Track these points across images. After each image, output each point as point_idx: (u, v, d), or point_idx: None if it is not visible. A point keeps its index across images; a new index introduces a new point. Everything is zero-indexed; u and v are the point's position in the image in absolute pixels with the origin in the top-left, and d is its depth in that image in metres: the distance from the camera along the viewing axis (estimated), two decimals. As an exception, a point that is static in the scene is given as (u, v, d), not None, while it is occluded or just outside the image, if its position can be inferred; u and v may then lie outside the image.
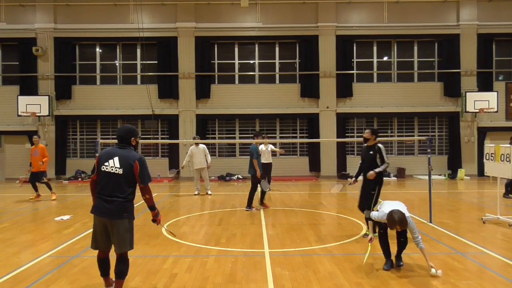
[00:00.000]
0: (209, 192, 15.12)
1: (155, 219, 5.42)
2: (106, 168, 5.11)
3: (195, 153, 14.94)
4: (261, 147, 16.61)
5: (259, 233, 8.90)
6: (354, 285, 5.74)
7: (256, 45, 21.78)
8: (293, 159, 21.55)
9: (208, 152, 15.27)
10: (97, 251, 5.37)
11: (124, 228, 5.10)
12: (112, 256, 5.40)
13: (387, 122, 21.92)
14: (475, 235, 8.58)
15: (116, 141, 5.31)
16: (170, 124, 21.40)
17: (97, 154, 9.89)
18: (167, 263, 6.79)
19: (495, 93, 20.47)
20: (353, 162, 21.39)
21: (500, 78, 21.86)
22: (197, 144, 14.94)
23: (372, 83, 21.76)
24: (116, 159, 5.11)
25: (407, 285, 5.73)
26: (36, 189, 14.17)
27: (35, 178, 14.18)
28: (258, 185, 12.11)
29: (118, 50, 21.85)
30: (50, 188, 14.37)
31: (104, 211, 5.07)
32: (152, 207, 5.32)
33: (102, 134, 21.78)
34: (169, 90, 21.20)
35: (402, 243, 6.45)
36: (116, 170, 5.07)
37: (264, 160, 16.46)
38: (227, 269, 6.46)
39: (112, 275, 5.39)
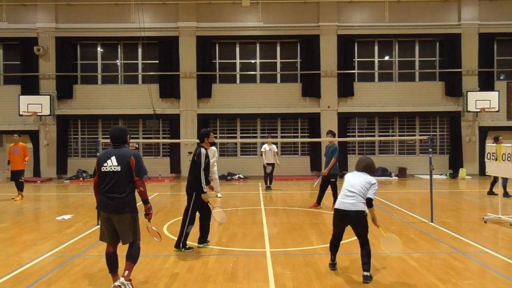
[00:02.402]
0: (219, 195, 14.45)
1: (148, 213, 5.66)
2: (106, 168, 5.43)
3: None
4: (265, 147, 16.54)
5: (260, 233, 8.90)
6: (355, 285, 5.74)
7: (257, 45, 21.77)
8: (294, 158, 21.55)
9: (217, 154, 14.88)
10: (100, 250, 5.56)
11: (128, 222, 5.43)
12: (121, 255, 5.45)
13: (388, 121, 21.91)
14: (476, 234, 8.57)
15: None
16: (172, 124, 21.40)
17: (98, 154, 9.94)
18: (168, 263, 6.79)
19: (497, 92, 20.46)
20: (354, 162, 21.27)
21: (502, 77, 21.83)
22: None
23: (374, 82, 21.74)
24: (113, 158, 5.43)
25: (409, 284, 5.72)
26: (19, 188, 14.10)
27: (15, 177, 14.10)
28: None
29: (119, 49, 21.86)
30: (21, 189, 14.13)
31: (108, 207, 5.38)
32: (145, 200, 5.58)
33: (103, 134, 21.78)
34: (170, 90, 21.21)
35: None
36: (114, 168, 5.39)
37: (266, 160, 16.45)
38: (228, 269, 6.46)
39: (120, 273, 5.54)
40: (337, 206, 6.10)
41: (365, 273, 5.86)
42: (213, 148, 14.61)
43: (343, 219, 6.05)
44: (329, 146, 12.00)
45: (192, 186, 7.40)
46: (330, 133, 12.11)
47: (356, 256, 7.07)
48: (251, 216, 10.90)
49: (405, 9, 21.19)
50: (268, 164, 16.46)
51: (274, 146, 16.59)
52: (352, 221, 6.01)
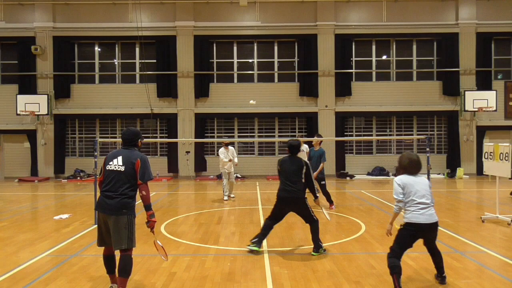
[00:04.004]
0: (232, 195, 14.10)
1: (149, 220, 5.38)
2: (110, 167, 5.39)
3: (226, 155, 13.78)
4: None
5: (258, 232, 8.88)
6: (353, 284, 5.74)
7: (255, 44, 21.77)
8: (292, 158, 21.51)
9: (236, 154, 14.24)
10: (98, 249, 5.55)
11: (123, 225, 5.23)
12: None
13: (386, 121, 21.93)
14: (474, 234, 8.58)
15: (115, 140, 5.61)
16: (169, 123, 21.38)
17: (95, 153, 9.92)
18: (166, 262, 6.77)
19: (494, 92, 20.49)
20: (352, 161, 21.41)
21: (499, 77, 21.86)
22: (226, 146, 13.87)
23: (371, 82, 21.75)
24: (120, 158, 5.39)
25: (407, 284, 5.72)
26: None
27: None
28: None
29: (117, 49, 21.83)
30: None
31: (105, 207, 5.25)
32: (148, 206, 5.34)
33: (101, 133, 21.76)
34: (168, 89, 21.19)
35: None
36: (118, 168, 5.33)
37: None
38: (226, 268, 6.46)
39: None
40: (418, 221, 5.42)
41: (444, 275, 5.76)
42: (231, 148, 14.04)
43: (421, 233, 5.51)
44: (315, 149, 12.07)
45: (302, 193, 7.40)
46: (318, 136, 12.26)
47: (354, 256, 7.09)
48: (248, 216, 10.90)
49: (402, 8, 21.22)
50: None
51: (306, 146, 15.64)
52: (434, 232, 5.58)
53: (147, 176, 5.35)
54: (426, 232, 5.49)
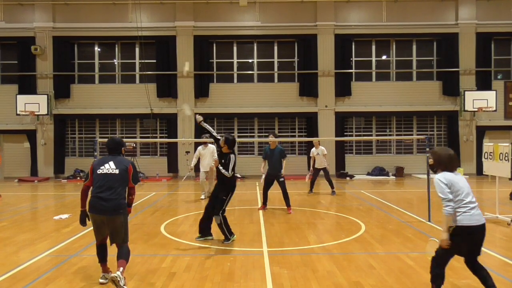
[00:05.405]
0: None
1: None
2: (103, 171, 5.74)
3: (204, 154, 13.47)
4: (313, 151, 14.80)
5: (258, 232, 8.90)
6: (352, 284, 5.74)
7: (255, 44, 21.77)
8: (292, 158, 21.43)
9: (215, 153, 14.11)
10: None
11: (120, 223, 5.69)
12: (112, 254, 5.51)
13: (385, 121, 21.93)
14: (473, 234, 8.57)
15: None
16: (169, 123, 21.38)
17: (95, 153, 9.94)
18: (166, 262, 6.79)
19: (494, 92, 20.49)
20: (352, 161, 21.41)
21: (499, 77, 21.87)
22: (205, 144, 13.43)
23: (371, 82, 21.75)
24: (111, 162, 5.80)
25: (406, 284, 5.73)
26: None
27: None
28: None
29: (116, 49, 21.82)
30: None
31: (102, 209, 5.63)
32: (130, 205, 5.98)
33: (100, 133, 21.75)
34: (167, 89, 21.18)
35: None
36: (112, 171, 5.72)
37: (317, 165, 14.69)
38: (225, 268, 6.46)
39: (110, 265, 5.89)
40: (470, 223, 4.84)
41: None
42: (212, 146, 13.38)
43: (471, 237, 4.94)
44: (272, 147, 11.88)
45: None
46: (273, 134, 12.19)
47: (354, 256, 7.09)
48: (248, 216, 10.90)
49: (402, 8, 21.21)
50: (318, 168, 14.65)
51: (323, 148, 14.86)
52: (483, 234, 4.96)
53: (138, 180, 5.95)
54: (476, 235, 4.92)
